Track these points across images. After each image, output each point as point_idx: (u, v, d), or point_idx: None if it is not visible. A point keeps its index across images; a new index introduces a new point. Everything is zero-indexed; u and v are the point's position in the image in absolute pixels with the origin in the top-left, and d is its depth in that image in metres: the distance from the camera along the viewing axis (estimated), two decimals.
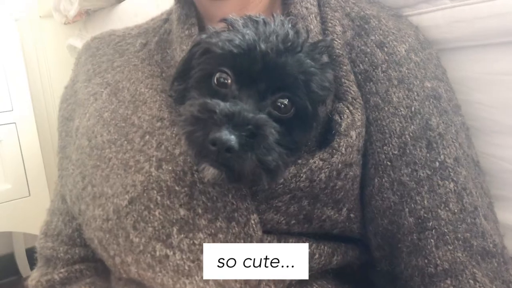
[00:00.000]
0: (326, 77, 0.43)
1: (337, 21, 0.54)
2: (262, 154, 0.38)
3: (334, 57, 0.51)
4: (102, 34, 0.70)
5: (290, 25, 0.43)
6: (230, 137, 0.36)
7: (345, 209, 0.49)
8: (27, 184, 1.24)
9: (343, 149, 0.47)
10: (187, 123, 0.40)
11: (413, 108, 0.49)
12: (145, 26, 0.69)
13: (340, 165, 0.47)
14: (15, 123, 1.22)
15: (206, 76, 0.44)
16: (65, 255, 0.60)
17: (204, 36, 0.45)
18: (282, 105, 0.41)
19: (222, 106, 0.38)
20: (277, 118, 0.41)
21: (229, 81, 0.42)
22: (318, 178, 0.46)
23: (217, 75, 0.42)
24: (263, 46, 0.40)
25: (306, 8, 0.54)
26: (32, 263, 0.64)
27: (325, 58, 0.45)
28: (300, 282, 0.48)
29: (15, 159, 1.22)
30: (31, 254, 0.65)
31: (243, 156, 0.37)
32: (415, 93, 0.50)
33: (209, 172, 0.40)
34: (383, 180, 0.49)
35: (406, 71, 0.51)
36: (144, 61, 0.61)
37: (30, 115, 1.27)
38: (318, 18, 0.54)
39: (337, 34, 0.53)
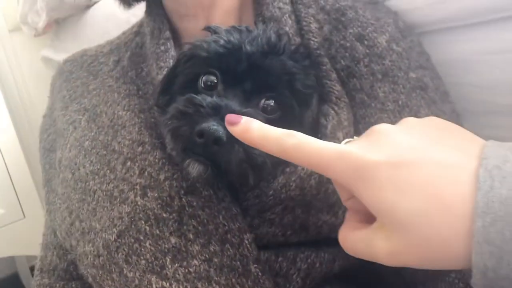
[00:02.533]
0: (309, 77, 0.43)
1: (312, 18, 0.52)
2: (249, 148, 0.37)
3: (313, 58, 0.50)
4: (74, 56, 0.67)
5: (272, 31, 0.44)
6: (218, 127, 0.35)
7: (341, 211, 0.47)
8: (20, 206, 1.22)
9: None
10: (172, 119, 0.39)
11: (400, 102, 0.48)
12: (117, 41, 0.66)
13: None
14: None
15: (191, 81, 0.43)
16: None
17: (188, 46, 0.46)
18: (269, 107, 0.41)
19: (209, 99, 0.38)
20: (264, 120, 0.39)
21: (216, 82, 0.41)
22: (308, 185, 0.45)
23: (204, 78, 0.42)
24: (248, 47, 0.41)
25: (279, 8, 0.52)
26: None
27: (306, 62, 0.45)
28: None
29: (4, 182, 1.19)
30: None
31: (230, 149, 0.37)
32: (401, 86, 0.49)
33: (194, 168, 0.39)
34: None
35: (389, 63, 0.49)
36: (119, 80, 0.59)
37: (12, 136, 1.24)
38: (292, 17, 0.52)
39: (312, 33, 0.51)
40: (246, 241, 0.44)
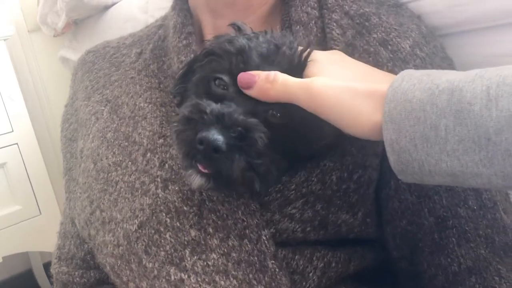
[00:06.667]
0: None
1: (335, 24, 0.52)
2: (251, 157, 0.37)
3: None
4: (96, 47, 0.68)
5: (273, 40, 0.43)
6: (217, 136, 0.35)
7: (360, 213, 0.48)
8: (37, 203, 1.24)
9: (354, 150, 0.46)
10: (179, 124, 0.39)
11: None
12: (139, 34, 0.67)
13: (351, 166, 0.46)
14: (17, 143, 1.21)
15: (204, 79, 0.43)
16: (80, 279, 0.60)
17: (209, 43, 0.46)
18: (278, 114, 0.41)
19: (213, 106, 0.38)
20: (273, 125, 0.40)
21: (227, 84, 0.41)
22: (329, 180, 0.45)
23: (217, 79, 0.42)
24: (259, 49, 0.41)
25: (307, 13, 0.52)
26: (50, 276, 0.65)
27: None
28: None
29: (21, 179, 1.21)
30: (49, 268, 0.66)
31: (231, 158, 0.36)
32: None
33: (196, 180, 0.39)
34: (400, 181, 0.48)
35: (413, 68, 0.49)
36: (141, 73, 0.59)
37: (31, 133, 1.26)
38: (318, 24, 0.52)
39: (334, 40, 0.51)
40: (264, 237, 0.45)
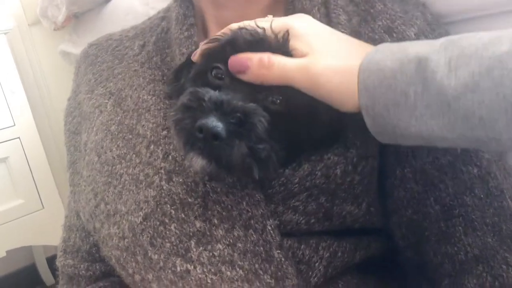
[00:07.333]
0: None
1: (341, 9, 0.51)
2: (252, 142, 0.37)
3: None
4: (99, 40, 0.67)
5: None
6: (217, 123, 0.35)
7: (364, 203, 0.47)
8: (39, 197, 1.24)
9: (358, 142, 0.45)
10: (177, 111, 0.39)
11: None
12: (142, 26, 0.66)
13: (355, 158, 0.45)
14: (19, 137, 1.21)
15: (202, 72, 0.43)
16: (86, 272, 0.60)
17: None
18: (278, 100, 0.41)
19: (211, 93, 0.38)
20: (273, 112, 0.40)
21: (223, 74, 0.42)
22: (333, 174, 0.45)
23: (214, 70, 0.42)
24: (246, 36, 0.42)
25: (310, 0, 0.51)
26: (54, 270, 0.65)
27: None
28: (325, 280, 0.47)
29: (23, 173, 1.21)
30: (52, 262, 0.66)
31: (231, 144, 0.36)
32: None
33: (197, 162, 0.39)
34: (405, 170, 0.48)
35: None
36: (144, 65, 0.59)
37: (32, 127, 1.26)
38: (322, 10, 0.52)
39: (341, 25, 0.50)
40: (269, 227, 0.45)
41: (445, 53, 0.33)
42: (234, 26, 0.43)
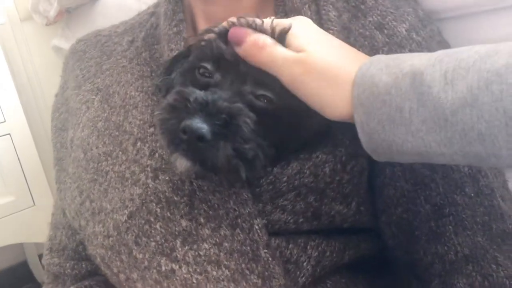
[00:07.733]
0: None
1: (331, 6, 0.51)
2: (238, 143, 0.36)
3: None
4: (88, 36, 0.67)
5: None
6: (202, 125, 0.35)
7: (354, 203, 0.47)
8: (30, 193, 1.22)
9: (347, 140, 0.45)
10: (163, 112, 0.39)
11: None
12: (131, 21, 0.66)
13: (344, 157, 0.45)
14: (9, 134, 1.19)
15: (190, 69, 0.43)
16: (72, 270, 0.59)
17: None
18: (264, 99, 0.40)
19: (197, 94, 0.38)
20: (259, 110, 0.39)
21: (211, 71, 0.41)
22: (322, 172, 0.44)
23: (201, 70, 0.42)
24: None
25: None
26: None
27: None
28: (313, 280, 0.46)
29: (14, 170, 1.20)
30: None
31: (216, 146, 0.36)
32: None
33: (182, 163, 0.38)
34: (395, 169, 0.47)
35: (408, 52, 0.48)
36: (133, 61, 0.58)
37: (23, 123, 1.24)
38: (312, 7, 0.51)
39: (331, 21, 0.50)
40: (257, 226, 0.44)
41: (440, 65, 0.32)
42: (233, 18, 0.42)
